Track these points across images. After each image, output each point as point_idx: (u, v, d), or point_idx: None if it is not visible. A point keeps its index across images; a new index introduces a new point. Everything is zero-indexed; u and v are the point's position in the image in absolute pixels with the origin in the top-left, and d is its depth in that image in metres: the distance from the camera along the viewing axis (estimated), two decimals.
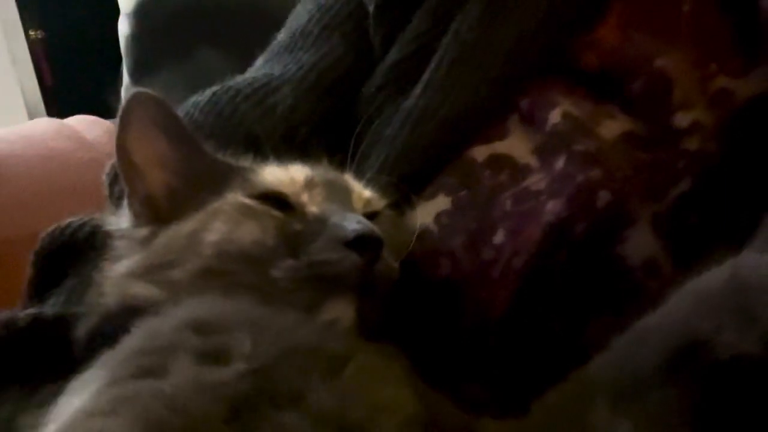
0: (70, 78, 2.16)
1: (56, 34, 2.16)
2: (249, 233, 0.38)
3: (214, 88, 0.56)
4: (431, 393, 0.33)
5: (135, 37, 0.93)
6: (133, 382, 0.27)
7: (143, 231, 0.41)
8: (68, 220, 0.52)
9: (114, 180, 0.52)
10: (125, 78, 0.93)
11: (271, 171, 0.44)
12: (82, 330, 0.38)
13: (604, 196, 0.41)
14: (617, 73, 0.46)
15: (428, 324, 0.42)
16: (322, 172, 0.44)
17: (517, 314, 0.41)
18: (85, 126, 0.91)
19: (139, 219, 0.42)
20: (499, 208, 0.43)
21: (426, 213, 0.45)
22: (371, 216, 0.43)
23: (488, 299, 0.41)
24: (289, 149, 0.48)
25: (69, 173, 0.82)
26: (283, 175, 0.43)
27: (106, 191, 0.54)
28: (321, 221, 0.39)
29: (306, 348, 0.30)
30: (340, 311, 0.36)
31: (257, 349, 0.28)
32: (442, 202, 0.45)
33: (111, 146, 0.89)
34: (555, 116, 0.45)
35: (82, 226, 0.51)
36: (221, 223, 0.39)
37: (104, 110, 1.10)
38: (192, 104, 0.56)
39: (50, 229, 0.52)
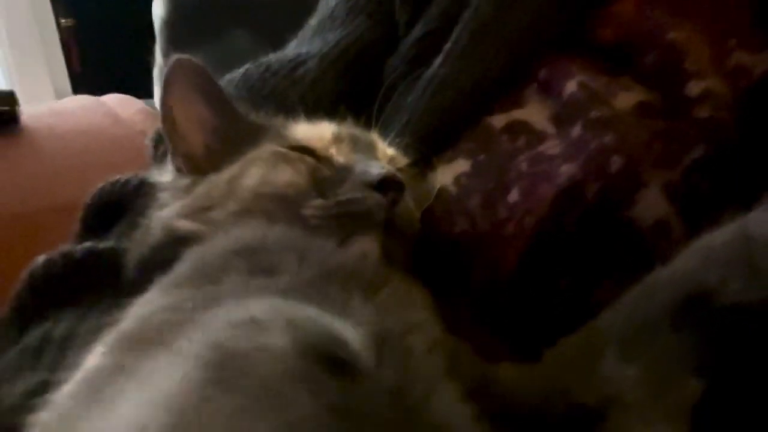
0: (99, 65, 2.20)
1: (86, 22, 2.20)
2: (283, 176, 0.42)
3: (247, 66, 0.60)
4: (450, 335, 0.36)
5: (169, 19, 0.96)
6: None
7: (185, 181, 0.45)
8: (117, 176, 0.56)
9: (158, 142, 0.56)
10: (158, 59, 0.97)
11: (301, 128, 0.47)
12: (132, 261, 0.42)
13: (617, 161, 0.43)
14: (632, 46, 0.48)
15: (441, 278, 0.44)
16: (349, 128, 0.48)
17: (526, 272, 0.43)
18: (119, 104, 0.95)
19: (180, 173, 0.46)
20: (515, 169, 0.46)
21: (445, 175, 0.48)
22: None
23: (500, 256, 0.44)
24: (316, 114, 0.51)
25: (103, 148, 0.85)
26: (313, 131, 0.47)
27: (150, 152, 0.57)
28: (348, 168, 0.42)
29: (345, 270, 0.32)
30: (367, 246, 0.39)
31: (302, 266, 0.31)
32: (461, 165, 0.48)
33: (143, 124, 0.93)
34: (572, 86, 0.47)
35: (130, 180, 0.55)
36: (257, 169, 0.43)
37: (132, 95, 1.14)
38: (227, 81, 0.60)
39: (101, 184, 0.55)
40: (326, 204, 0.40)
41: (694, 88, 0.44)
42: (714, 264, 0.31)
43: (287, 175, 0.42)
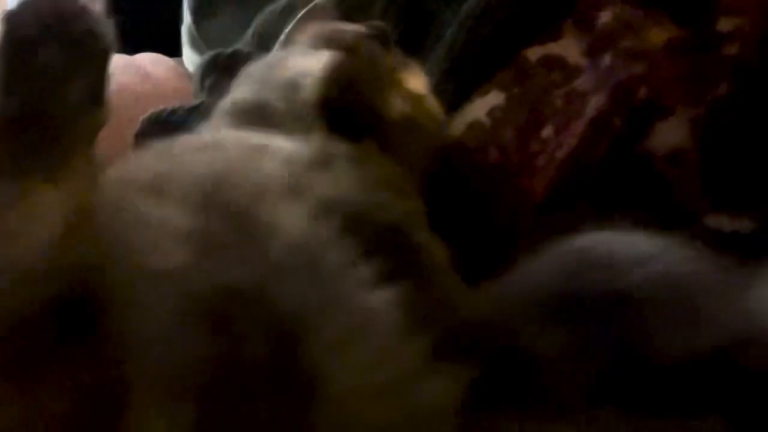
0: (130, 16, 2.21)
1: None
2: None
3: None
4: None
5: None
6: None
7: None
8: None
9: (206, 73, 0.58)
10: (186, 17, 0.98)
11: None
12: None
13: (643, 91, 0.45)
14: None
15: (469, 206, 0.48)
16: None
17: (553, 201, 0.46)
18: (151, 62, 0.97)
19: None
20: (549, 105, 0.48)
21: (480, 107, 0.50)
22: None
23: (528, 185, 0.47)
24: None
25: (137, 106, 0.88)
26: None
27: (195, 86, 0.60)
28: None
29: None
30: None
31: None
32: (495, 98, 0.50)
33: (175, 81, 0.95)
34: (606, 16, 0.49)
35: (177, 108, 0.59)
36: None
37: (165, 47, 1.15)
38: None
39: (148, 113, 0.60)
40: None
41: (725, 24, 0.46)
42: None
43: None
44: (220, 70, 0.57)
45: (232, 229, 0.31)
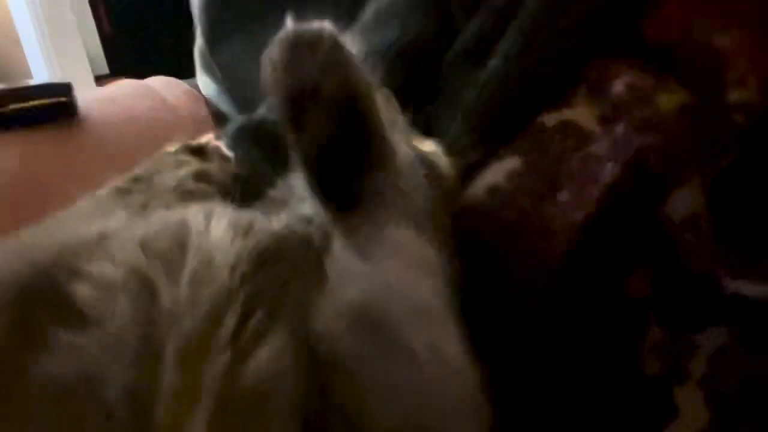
0: (129, 29, 2.22)
1: None
2: None
3: None
4: None
5: (209, 1, 0.98)
6: None
7: None
8: None
9: (236, 144, 0.60)
10: (199, 40, 0.99)
11: None
12: None
13: (658, 160, 0.47)
14: (677, 49, 0.51)
15: (487, 267, 0.49)
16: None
17: (571, 263, 0.47)
18: (165, 87, 0.98)
19: None
20: (565, 170, 0.50)
21: (498, 171, 0.52)
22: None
23: (547, 248, 0.48)
24: None
25: (154, 134, 0.89)
26: None
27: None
28: None
29: None
30: None
31: None
32: (513, 162, 0.52)
33: (190, 106, 0.95)
34: (618, 86, 0.51)
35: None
36: None
37: (162, 62, 1.15)
38: None
39: None
40: None
41: (734, 95, 0.48)
42: None
43: None
44: (249, 141, 0.58)
45: None
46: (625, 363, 0.45)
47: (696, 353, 0.44)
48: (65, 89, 0.83)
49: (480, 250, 0.49)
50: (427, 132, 0.55)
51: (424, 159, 0.49)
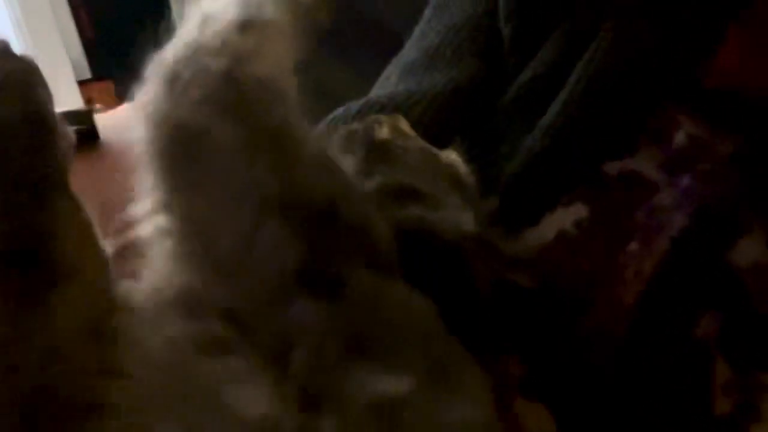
0: (111, 32, 2.18)
1: None
2: None
3: (359, 103, 0.61)
4: None
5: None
6: None
7: None
8: None
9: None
10: None
11: None
12: None
13: (723, 210, 0.49)
14: (733, 95, 0.54)
15: (566, 315, 0.50)
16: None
17: (643, 312, 0.49)
18: None
19: None
20: (632, 221, 0.52)
21: (565, 218, 0.53)
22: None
23: (622, 294, 0.50)
24: None
25: None
26: None
27: None
28: None
29: None
30: None
31: None
32: (579, 210, 0.53)
33: None
34: (680, 135, 0.53)
35: None
36: None
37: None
38: (330, 120, 0.61)
39: None
40: None
41: None
42: None
43: None
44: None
45: None
46: (695, 403, 0.47)
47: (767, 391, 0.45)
48: (86, 116, 0.81)
49: (559, 298, 0.49)
50: (483, 177, 0.55)
51: (446, 169, 0.50)
